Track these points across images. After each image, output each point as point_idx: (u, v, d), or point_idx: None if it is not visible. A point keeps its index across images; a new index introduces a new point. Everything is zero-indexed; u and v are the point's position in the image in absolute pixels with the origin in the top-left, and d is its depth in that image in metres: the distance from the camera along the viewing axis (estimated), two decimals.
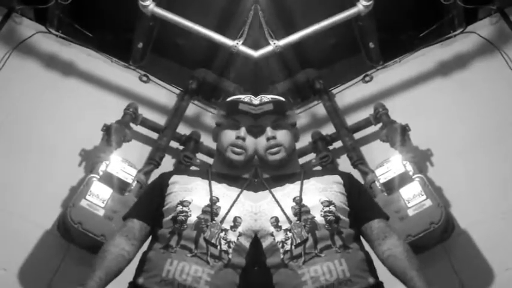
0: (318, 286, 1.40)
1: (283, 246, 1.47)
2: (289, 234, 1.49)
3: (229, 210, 1.54)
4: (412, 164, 2.69)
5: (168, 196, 1.61)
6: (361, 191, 1.69)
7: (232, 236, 1.49)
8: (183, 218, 1.52)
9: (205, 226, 1.49)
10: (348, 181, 1.68)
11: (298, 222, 1.51)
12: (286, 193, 1.60)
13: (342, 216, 1.55)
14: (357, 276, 1.43)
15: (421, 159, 2.79)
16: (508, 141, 2.65)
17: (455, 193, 2.65)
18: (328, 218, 1.52)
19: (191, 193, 1.59)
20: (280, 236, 1.49)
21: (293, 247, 1.46)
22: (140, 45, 3.33)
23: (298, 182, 1.63)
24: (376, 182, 2.73)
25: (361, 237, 1.61)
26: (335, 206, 1.55)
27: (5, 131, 2.68)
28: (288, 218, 1.52)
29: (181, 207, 1.54)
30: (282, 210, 1.54)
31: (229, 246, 1.47)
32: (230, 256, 1.46)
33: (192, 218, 1.51)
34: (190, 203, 1.55)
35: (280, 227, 1.51)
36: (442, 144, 2.82)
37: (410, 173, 2.64)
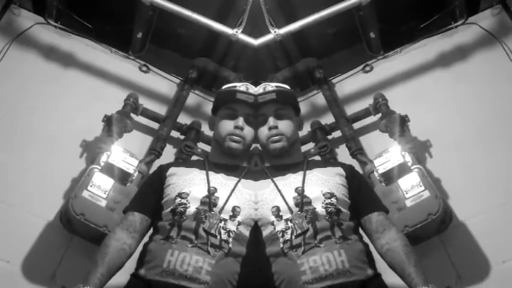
0: (317, 276, 1.40)
1: (283, 236, 1.47)
2: (290, 224, 1.49)
3: (227, 200, 1.54)
4: (410, 155, 2.66)
5: (167, 188, 1.61)
6: (362, 183, 1.69)
7: (231, 226, 1.49)
8: (182, 209, 1.52)
9: (205, 217, 1.49)
10: (350, 173, 1.67)
11: (299, 212, 1.50)
12: (288, 183, 1.60)
13: (342, 209, 1.55)
14: (356, 267, 1.43)
15: (420, 150, 2.76)
16: (507, 134, 2.61)
17: (453, 185, 2.63)
18: (329, 209, 1.52)
19: (189, 184, 1.58)
20: (280, 226, 1.49)
21: (293, 237, 1.46)
22: (140, 35, 3.27)
23: (301, 172, 1.63)
24: (374, 172, 2.72)
25: (361, 230, 1.61)
26: (336, 198, 1.55)
27: (5, 123, 2.65)
28: (289, 208, 1.52)
29: (179, 199, 1.54)
30: (284, 200, 1.54)
31: (229, 236, 1.47)
32: (230, 245, 1.46)
33: (191, 209, 1.51)
34: (188, 194, 1.55)
35: (281, 217, 1.51)
36: (442, 136, 2.78)
37: (409, 164, 2.62)
